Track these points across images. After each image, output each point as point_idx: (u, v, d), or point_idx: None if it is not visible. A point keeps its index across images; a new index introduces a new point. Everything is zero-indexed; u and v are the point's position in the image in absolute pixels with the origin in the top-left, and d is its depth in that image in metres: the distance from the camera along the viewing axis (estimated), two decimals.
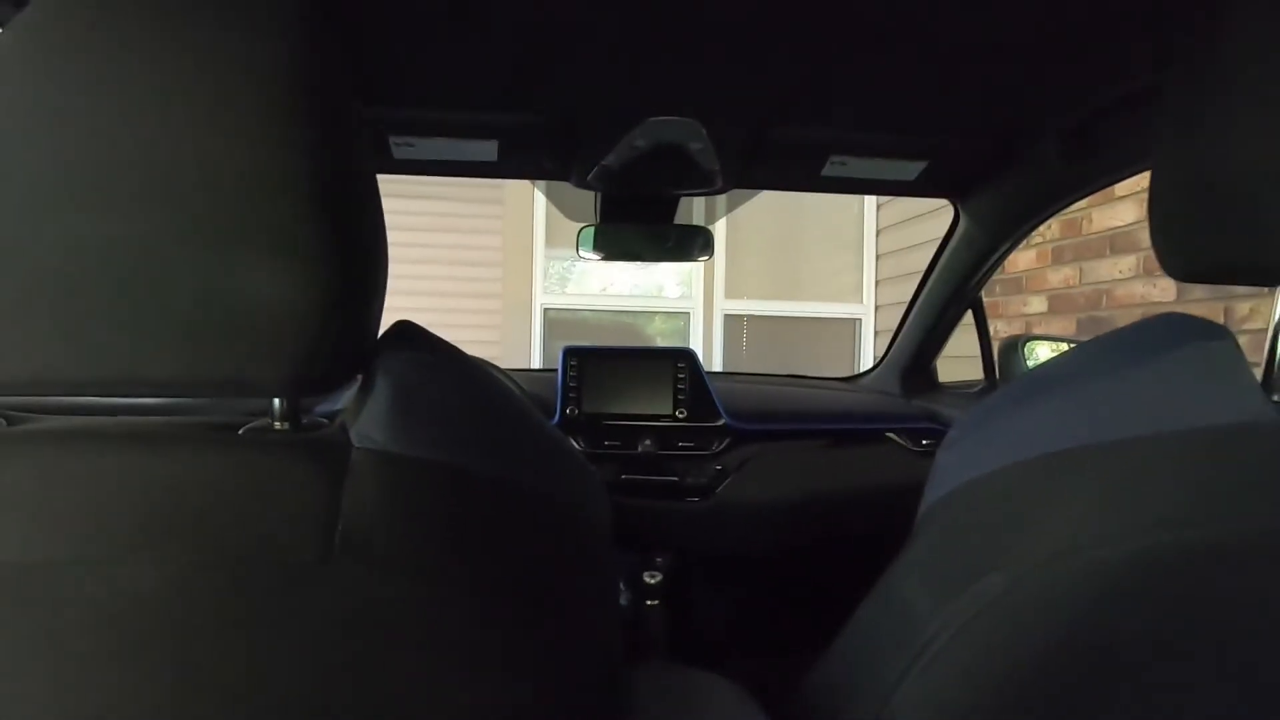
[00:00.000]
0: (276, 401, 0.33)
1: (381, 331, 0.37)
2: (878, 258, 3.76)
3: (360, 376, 0.35)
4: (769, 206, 3.74)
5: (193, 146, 0.28)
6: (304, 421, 0.34)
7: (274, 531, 0.28)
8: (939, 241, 1.25)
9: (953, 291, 1.24)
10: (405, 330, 0.39)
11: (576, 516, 0.41)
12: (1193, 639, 0.31)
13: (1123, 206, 2.03)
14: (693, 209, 1.36)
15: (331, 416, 0.35)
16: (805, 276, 3.83)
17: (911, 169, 1.02)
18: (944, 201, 1.18)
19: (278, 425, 0.34)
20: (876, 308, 3.76)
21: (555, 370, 1.12)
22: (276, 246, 0.29)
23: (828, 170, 1.02)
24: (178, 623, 0.26)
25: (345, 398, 0.36)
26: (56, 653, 0.25)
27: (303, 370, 0.31)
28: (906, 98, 0.84)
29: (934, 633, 0.36)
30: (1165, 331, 0.38)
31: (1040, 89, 0.81)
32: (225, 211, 0.28)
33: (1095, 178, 0.96)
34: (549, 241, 3.61)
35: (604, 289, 3.77)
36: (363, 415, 0.33)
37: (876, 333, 3.74)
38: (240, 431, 0.33)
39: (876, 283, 3.77)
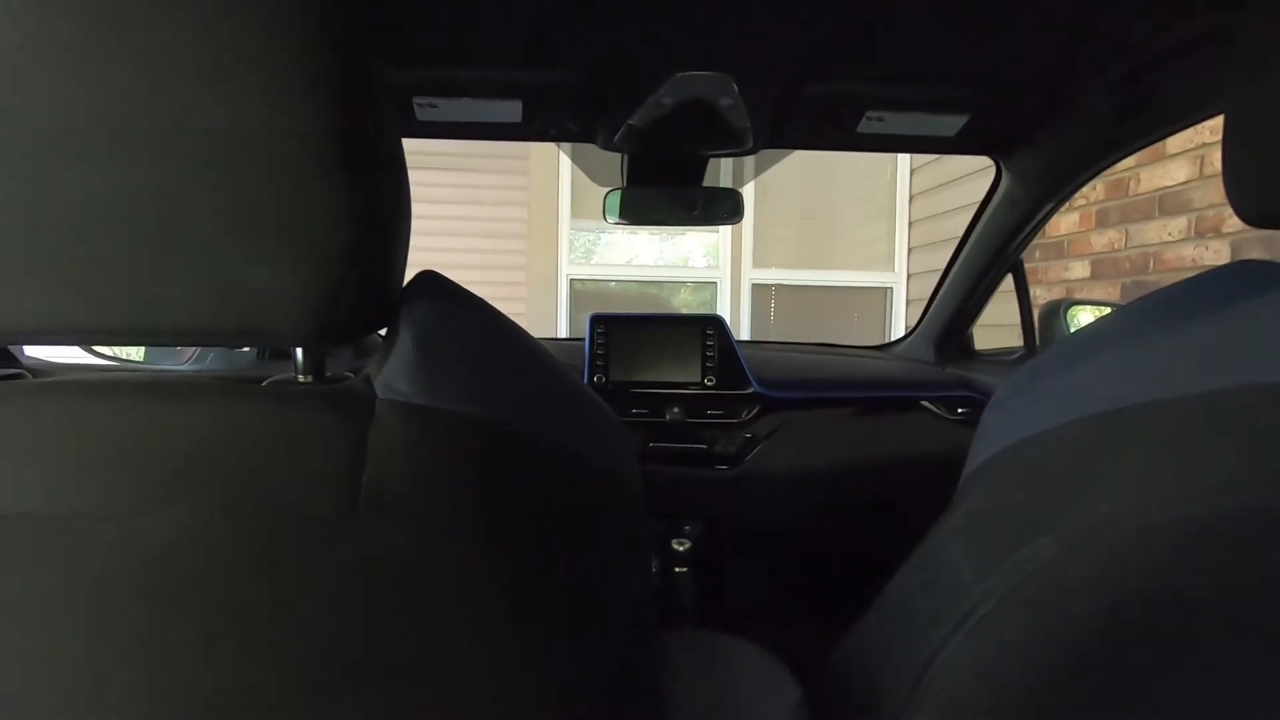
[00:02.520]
0: (300, 354, 0.33)
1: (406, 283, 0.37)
2: (910, 224, 3.66)
3: (385, 330, 0.35)
4: (797, 173, 3.66)
5: (211, 98, 0.27)
6: (329, 375, 0.34)
7: (298, 483, 0.28)
8: (975, 206, 1.21)
9: (992, 255, 1.19)
10: (430, 281, 0.38)
11: (606, 473, 0.40)
12: (1257, 609, 0.29)
13: (1174, 165, 1.94)
14: (720, 173, 1.33)
15: (358, 372, 0.34)
16: (835, 244, 3.76)
17: (952, 124, 0.97)
18: (980, 165, 1.14)
19: (301, 378, 0.33)
20: (909, 275, 3.68)
21: (582, 339, 1.11)
22: (294, 197, 0.29)
23: (864, 127, 0.98)
24: (201, 575, 0.26)
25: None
26: (80, 605, 0.25)
27: (323, 319, 0.30)
28: (947, 47, 0.79)
29: (978, 599, 0.35)
30: (1237, 279, 0.35)
31: (1090, 36, 0.76)
32: (242, 162, 0.28)
33: (1148, 131, 0.90)
34: (574, 213, 3.59)
35: (629, 260, 3.75)
36: (387, 366, 0.32)
37: (909, 301, 3.66)
38: (264, 384, 0.33)
39: (909, 250, 3.68)
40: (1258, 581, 0.29)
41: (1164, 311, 0.37)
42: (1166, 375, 0.33)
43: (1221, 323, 0.33)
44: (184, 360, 1.11)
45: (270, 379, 0.34)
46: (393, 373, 0.32)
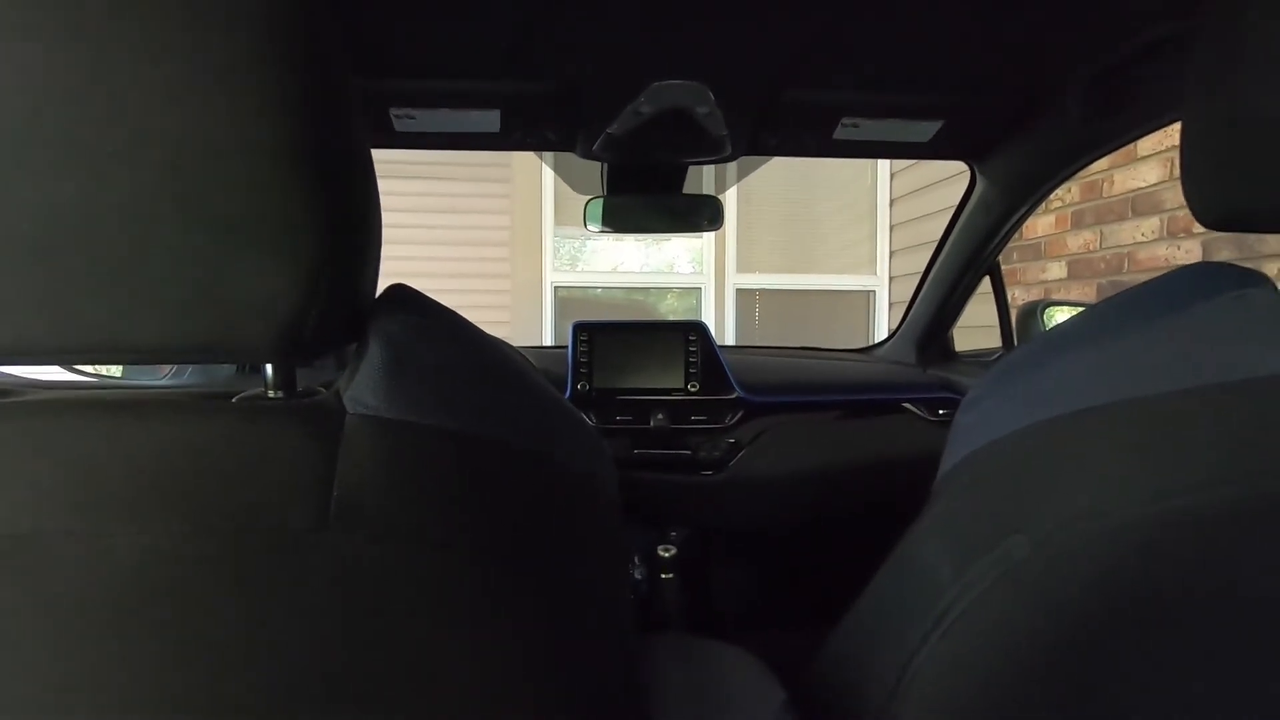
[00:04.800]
0: (270, 370, 0.33)
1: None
2: (892, 228, 3.70)
3: (355, 343, 0.35)
4: (780, 178, 3.68)
5: (175, 109, 0.27)
6: (299, 390, 0.34)
7: (267, 499, 0.27)
8: (953, 209, 1.22)
9: (969, 257, 1.21)
10: (399, 294, 0.38)
11: (580, 480, 0.40)
12: (1228, 604, 0.29)
13: (1146, 166, 1.98)
14: (701, 180, 1.33)
15: (329, 385, 0.34)
16: (818, 249, 3.78)
17: (926, 129, 0.98)
18: (959, 168, 1.15)
19: (271, 394, 0.33)
20: (891, 279, 3.71)
21: (566, 347, 1.11)
22: (261, 210, 0.28)
23: (840, 134, 0.99)
24: (170, 593, 0.25)
25: None
26: (48, 624, 0.24)
27: (291, 334, 0.30)
28: (920, 54, 0.80)
29: (954, 597, 0.35)
30: (1199, 280, 0.36)
31: (1060, 41, 0.78)
32: (208, 174, 0.27)
33: (1118, 133, 0.92)
34: (558, 220, 3.58)
35: (615, 267, 3.75)
36: (356, 380, 0.32)
37: (891, 304, 3.69)
38: (234, 400, 0.33)
39: (891, 253, 3.71)
40: (1228, 576, 0.29)
41: (1130, 312, 0.38)
42: (1134, 374, 0.34)
43: (1184, 324, 0.34)
44: (162, 376, 1.09)
45: (240, 394, 0.34)
46: (362, 386, 0.32)
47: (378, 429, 0.31)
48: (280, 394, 0.33)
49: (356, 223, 0.32)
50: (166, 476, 0.27)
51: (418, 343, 0.35)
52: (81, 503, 0.27)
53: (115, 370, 1.20)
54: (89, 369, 1.14)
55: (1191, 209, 0.38)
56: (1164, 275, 0.38)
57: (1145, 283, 0.39)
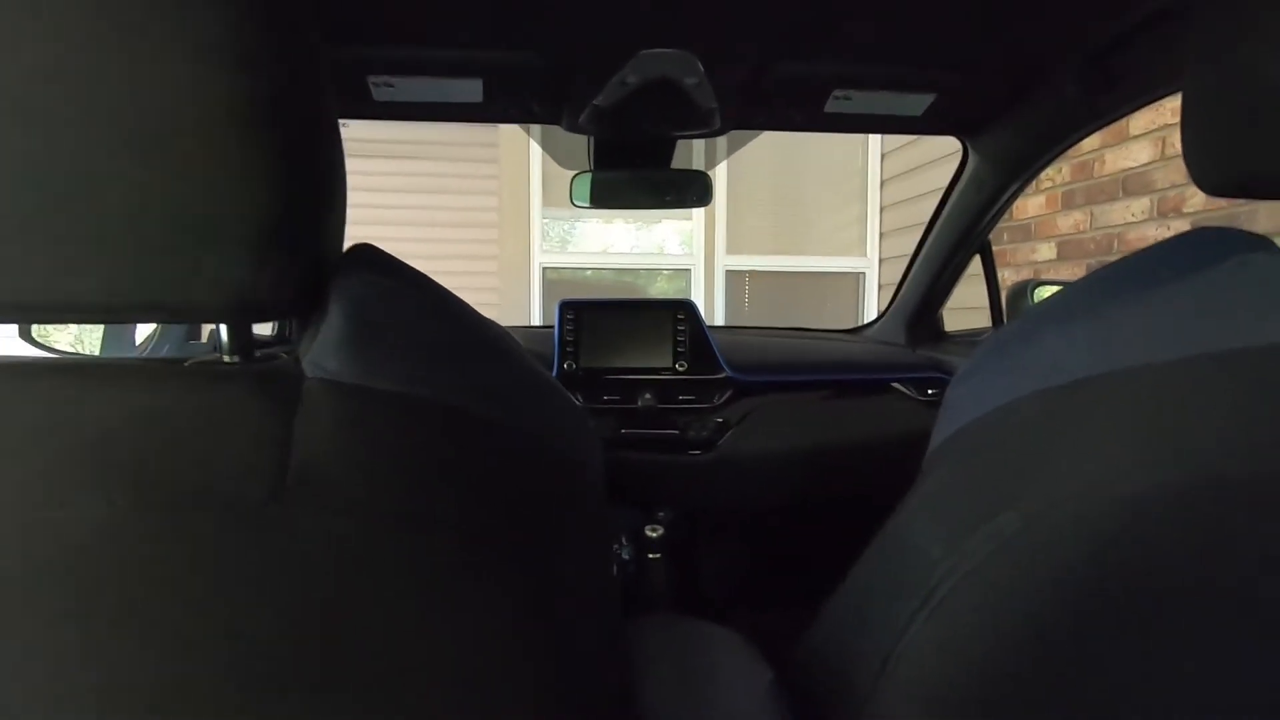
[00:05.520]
0: (224, 333, 0.31)
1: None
2: (882, 210, 3.69)
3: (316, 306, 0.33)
4: (770, 160, 3.66)
5: (125, 58, 0.25)
6: (257, 355, 0.32)
7: (220, 469, 0.26)
8: (943, 190, 1.21)
9: (960, 236, 1.20)
10: (364, 253, 0.36)
11: (559, 452, 0.39)
12: (1226, 580, 0.29)
13: (1137, 146, 1.97)
14: (691, 157, 1.31)
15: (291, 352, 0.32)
16: (808, 230, 3.77)
17: (919, 103, 0.97)
18: (950, 149, 1.14)
19: (226, 359, 0.31)
20: (881, 261, 3.71)
21: (553, 326, 1.10)
22: (214, 162, 0.27)
23: (831, 106, 0.97)
24: (118, 571, 0.24)
25: None
26: None
27: (246, 294, 0.28)
28: (913, 24, 0.79)
29: (943, 575, 0.35)
30: (1201, 245, 0.35)
31: (1056, 14, 0.76)
32: (159, 125, 0.26)
33: (1114, 108, 0.91)
34: (546, 201, 3.55)
35: (605, 248, 3.72)
36: (316, 343, 0.30)
37: (880, 286, 3.69)
38: (185, 364, 0.31)
39: (881, 235, 3.70)
40: (1225, 553, 0.28)
41: (1127, 281, 0.37)
42: (1130, 345, 0.33)
43: (1183, 291, 0.33)
44: (138, 353, 1.07)
45: (193, 359, 0.32)
46: (322, 350, 0.30)
47: (338, 395, 0.29)
48: (236, 359, 0.31)
49: (316, 182, 0.30)
50: (110, 445, 0.26)
51: (383, 304, 0.33)
52: (19, 475, 0.25)
53: (91, 350, 1.17)
54: (62, 345, 1.11)
55: (1192, 176, 0.37)
56: (1167, 240, 0.37)
57: (1140, 251, 0.38)
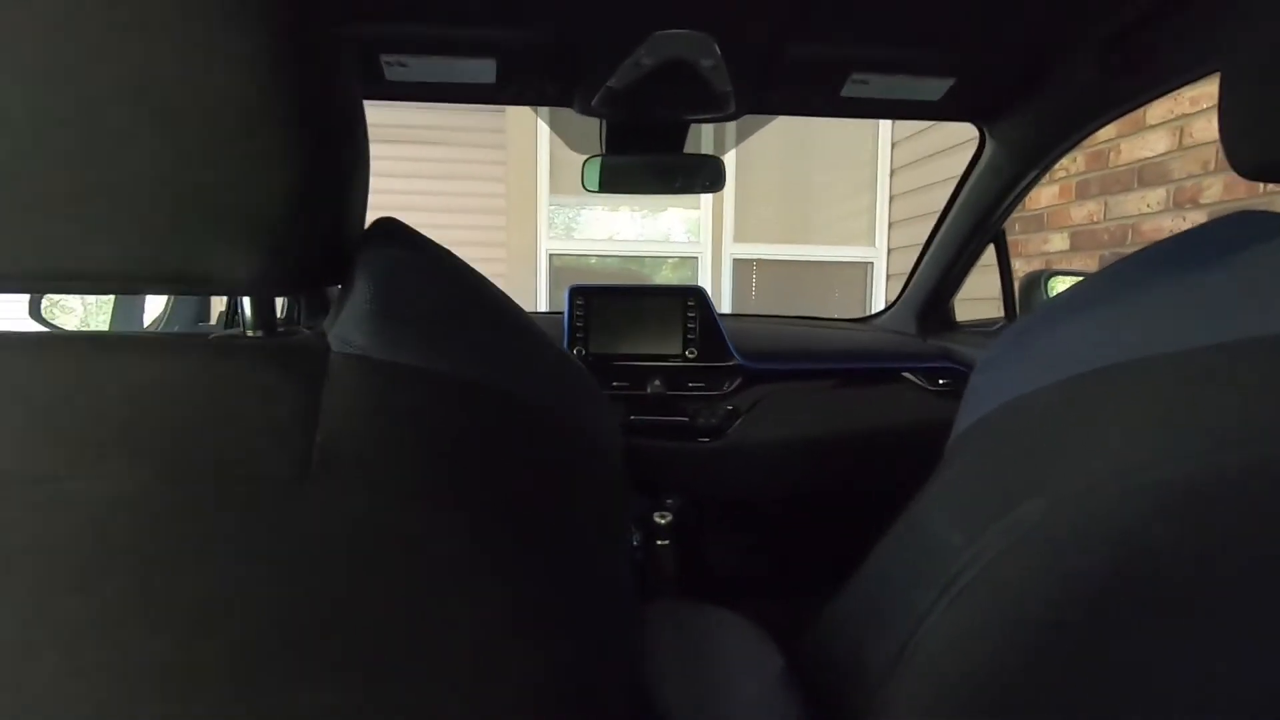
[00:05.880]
0: (248, 306, 0.30)
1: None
2: (891, 199, 3.65)
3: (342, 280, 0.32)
4: (779, 148, 3.63)
5: (143, 21, 0.25)
6: (282, 330, 0.31)
7: (242, 444, 0.25)
8: (956, 180, 1.19)
9: (975, 224, 1.18)
10: (390, 227, 0.35)
11: (580, 433, 0.38)
12: (1253, 572, 0.28)
13: (1154, 135, 1.94)
14: (700, 143, 1.30)
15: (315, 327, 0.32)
16: (816, 219, 3.74)
17: (937, 88, 0.95)
18: (962, 138, 1.12)
19: (250, 333, 0.31)
20: (890, 251, 3.68)
21: (562, 313, 1.09)
22: (237, 133, 0.26)
23: (848, 90, 0.96)
24: (136, 546, 0.23)
25: None
26: (11, 570, 0.23)
27: (269, 265, 0.28)
28: (933, 6, 0.77)
29: (964, 564, 0.34)
30: (1236, 230, 0.34)
31: None
32: (181, 94, 0.25)
33: (1135, 94, 0.89)
34: (554, 189, 3.53)
35: (611, 236, 3.71)
36: (342, 317, 0.30)
37: (889, 276, 3.67)
38: (209, 339, 0.30)
39: (890, 225, 3.67)
40: (1254, 542, 0.28)
41: (1160, 265, 0.36)
42: (1163, 330, 0.32)
43: (1223, 274, 0.32)
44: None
45: (216, 334, 0.31)
46: (348, 324, 0.29)
47: (365, 370, 0.28)
48: (260, 334, 0.31)
49: (338, 154, 0.29)
50: (130, 418, 0.25)
51: (411, 280, 0.33)
52: (37, 446, 0.24)
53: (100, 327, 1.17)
54: (66, 327, 1.11)
55: (1230, 158, 0.36)
56: (1195, 227, 0.37)
57: (1174, 236, 0.37)
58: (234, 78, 0.26)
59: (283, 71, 0.27)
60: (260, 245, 0.27)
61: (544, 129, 3.44)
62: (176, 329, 1.08)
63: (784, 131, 3.59)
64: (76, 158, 0.25)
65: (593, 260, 3.67)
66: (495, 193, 3.51)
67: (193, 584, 0.23)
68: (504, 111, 3.41)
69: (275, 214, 0.27)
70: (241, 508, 0.24)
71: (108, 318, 1.12)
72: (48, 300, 0.98)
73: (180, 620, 0.23)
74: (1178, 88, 0.85)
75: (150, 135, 0.25)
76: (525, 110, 3.35)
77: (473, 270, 0.38)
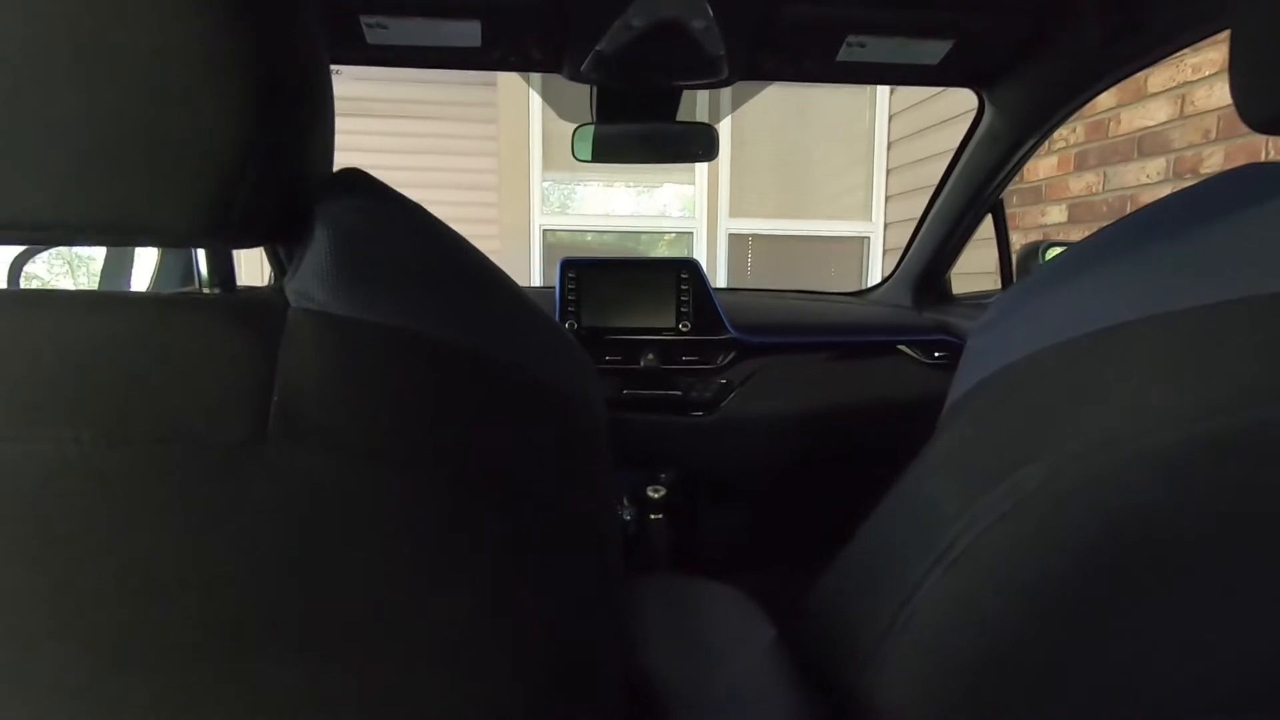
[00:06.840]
0: (203, 261, 0.29)
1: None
2: (888, 172, 3.62)
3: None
4: (775, 120, 3.58)
5: None
6: (241, 286, 0.30)
7: (195, 405, 0.24)
8: (953, 152, 1.17)
9: (972, 195, 1.17)
10: (352, 177, 0.33)
11: (559, 393, 0.37)
12: (1254, 537, 0.27)
13: (1155, 104, 1.91)
14: (694, 112, 1.27)
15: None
16: (812, 194, 3.71)
17: (935, 51, 0.93)
18: (959, 110, 1.10)
19: (205, 291, 0.29)
20: (886, 225, 3.66)
21: (554, 287, 1.07)
22: (183, 75, 0.24)
23: (844, 54, 0.93)
24: (82, 513, 0.22)
25: None
26: None
27: (219, 213, 0.26)
28: None
29: (960, 530, 0.33)
30: (1244, 183, 0.33)
31: None
32: (124, 30, 0.23)
33: (1137, 56, 0.87)
34: (546, 164, 3.49)
35: (606, 212, 3.67)
36: (301, 271, 0.28)
37: (885, 251, 3.65)
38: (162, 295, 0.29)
39: (886, 199, 3.64)
40: (1256, 506, 0.27)
41: (1163, 222, 0.34)
42: (1167, 288, 0.31)
43: (1229, 229, 0.31)
44: None
45: (173, 291, 0.30)
46: (307, 278, 0.28)
47: (326, 326, 0.27)
48: (216, 291, 0.29)
49: (292, 99, 0.28)
50: (78, 378, 0.24)
51: (375, 232, 0.31)
52: None
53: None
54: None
55: (1240, 111, 0.35)
56: (1199, 182, 0.35)
57: (1177, 192, 0.36)
58: (182, 20, 0.24)
59: (235, 16, 0.25)
60: (204, 195, 0.26)
61: (536, 104, 3.38)
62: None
63: (779, 104, 3.54)
64: (11, 99, 0.23)
65: (588, 236, 3.64)
66: (487, 168, 3.46)
67: (143, 552, 0.22)
68: (495, 86, 3.35)
69: (221, 163, 0.25)
70: (194, 473, 0.23)
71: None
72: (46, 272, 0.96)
73: (128, 590, 0.21)
74: (1181, 48, 0.83)
75: (90, 77, 0.23)
76: (517, 84, 3.29)
77: (445, 226, 0.36)
